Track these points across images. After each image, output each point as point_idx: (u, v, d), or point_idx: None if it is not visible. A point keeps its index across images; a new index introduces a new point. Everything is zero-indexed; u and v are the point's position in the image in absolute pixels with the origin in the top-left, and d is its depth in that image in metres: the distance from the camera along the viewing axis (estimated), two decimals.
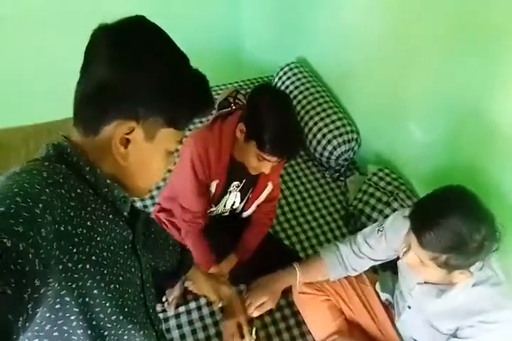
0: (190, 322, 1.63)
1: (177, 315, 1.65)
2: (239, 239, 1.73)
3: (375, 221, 1.83)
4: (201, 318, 1.65)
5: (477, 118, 1.52)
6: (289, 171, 2.28)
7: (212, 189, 1.55)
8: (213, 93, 2.64)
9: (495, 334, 1.14)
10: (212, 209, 1.66)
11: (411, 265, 1.17)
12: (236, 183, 1.60)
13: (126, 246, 0.78)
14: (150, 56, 0.67)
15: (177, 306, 1.66)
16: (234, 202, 1.67)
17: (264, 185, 1.63)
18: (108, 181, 0.71)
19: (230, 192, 1.63)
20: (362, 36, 2.04)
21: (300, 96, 2.36)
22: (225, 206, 1.67)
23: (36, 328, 0.62)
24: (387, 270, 1.62)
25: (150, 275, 0.92)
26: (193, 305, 1.69)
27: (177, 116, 0.72)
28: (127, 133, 0.68)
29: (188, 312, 1.66)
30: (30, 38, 2.35)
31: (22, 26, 2.30)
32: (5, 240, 0.46)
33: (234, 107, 2.40)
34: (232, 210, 1.73)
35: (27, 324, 0.47)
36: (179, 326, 1.62)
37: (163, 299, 1.65)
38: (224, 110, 1.55)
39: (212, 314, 1.67)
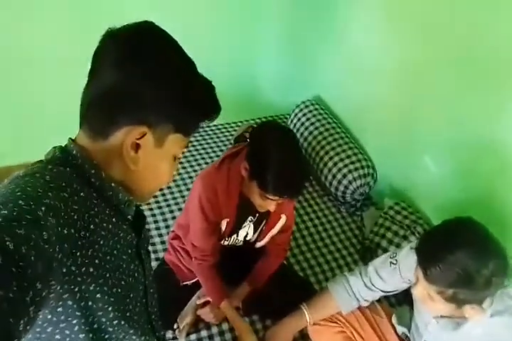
0: None
1: None
2: (252, 269, 1.71)
3: None
4: None
5: (492, 151, 1.54)
6: (304, 205, 2.28)
7: (223, 227, 1.56)
8: (230, 129, 2.76)
9: None
10: (224, 241, 1.66)
11: (420, 299, 1.14)
12: (250, 218, 1.61)
13: (130, 251, 0.77)
14: (160, 63, 0.68)
15: (188, 334, 1.63)
16: (247, 233, 1.67)
17: (277, 217, 1.62)
18: (113, 184, 0.71)
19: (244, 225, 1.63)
20: (375, 74, 2.12)
21: (316, 132, 2.41)
22: (237, 237, 1.67)
23: (38, 330, 0.61)
24: (404, 304, 1.58)
25: (153, 281, 0.91)
26: (204, 333, 1.65)
27: (186, 122, 0.73)
28: (138, 139, 0.68)
29: (200, 340, 1.63)
30: None
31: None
32: (7, 243, 0.46)
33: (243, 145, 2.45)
34: (246, 241, 1.72)
35: (28, 327, 0.47)
36: None
37: (175, 326, 1.62)
38: (232, 148, 1.57)
39: None
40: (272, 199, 1.35)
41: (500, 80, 1.44)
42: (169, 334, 1.60)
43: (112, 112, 0.67)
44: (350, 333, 1.50)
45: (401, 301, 1.63)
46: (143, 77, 0.66)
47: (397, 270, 1.36)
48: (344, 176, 2.19)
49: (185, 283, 1.70)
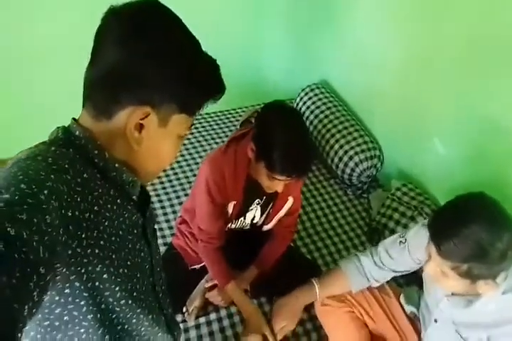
0: (211, 333, 1.60)
1: (197, 326, 1.62)
2: (259, 251, 1.72)
3: None
4: (221, 330, 1.62)
5: (501, 132, 1.52)
6: (311, 188, 2.28)
7: (230, 210, 1.56)
8: (236, 115, 2.75)
9: None
10: (232, 224, 1.66)
11: (432, 276, 1.14)
12: (257, 201, 1.61)
13: (135, 231, 0.77)
14: (164, 42, 0.67)
15: (197, 317, 1.64)
16: (254, 216, 1.67)
17: (284, 200, 1.62)
18: (116, 165, 0.71)
19: (251, 208, 1.63)
20: (382, 57, 2.09)
21: (321, 116, 2.39)
22: (244, 219, 1.67)
23: (46, 311, 0.62)
24: (412, 285, 1.57)
25: (160, 260, 0.92)
26: (213, 316, 1.66)
27: (190, 102, 0.72)
28: (142, 119, 0.67)
29: (209, 323, 1.64)
30: None
31: None
32: (8, 229, 0.45)
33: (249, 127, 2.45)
34: (253, 224, 1.72)
35: (33, 310, 0.47)
36: (199, 337, 1.59)
37: (184, 309, 1.63)
38: (239, 131, 1.56)
39: (232, 326, 1.64)
40: (279, 180, 1.34)
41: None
42: (178, 318, 1.61)
43: (116, 91, 0.66)
44: (358, 313, 1.50)
45: (409, 282, 1.62)
46: (146, 55, 0.65)
47: (406, 249, 1.35)
48: (350, 158, 2.18)
49: (193, 267, 1.72)
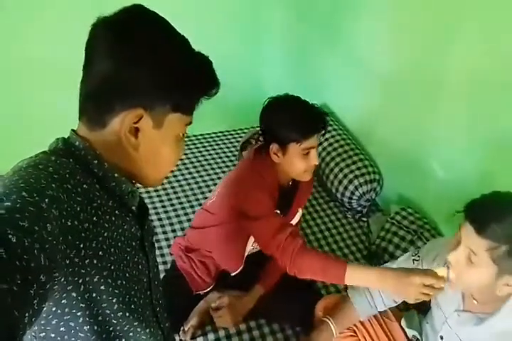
0: None
1: None
2: (264, 270, 1.70)
3: None
4: None
5: (500, 154, 1.54)
6: (311, 211, 2.29)
7: None
8: (236, 136, 2.78)
9: None
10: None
11: (457, 265, 1.10)
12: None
13: (134, 243, 0.77)
14: (152, 47, 0.67)
15: (194, 337, 1.62)
16: None
17: (295, 212, 1.65)
18: (116, 175, 0.71)
19: None
20: (383, 81, 2.13)
21: (321, 138, 2.41)
22: None
23: (43, 322, 0.62)
24: (411, 308, 1.57)
25: (158, 274, 0.91)
26: (211, 336, 1.64)
27: (183, 100, 0.71)
28: (136, 122, 0.68)
29: None
30: None
31: None
32: (10, 236, 0.46)
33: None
34: None
35: (33, 319, 0.47)
36: None
37: (181, 328, 1.61)
38: (250, 151, 1.60)
39: None
40: (311, 147, 1.41)
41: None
42: (176, 338, 1.59)
43: (107, 99, 0.67)
44: (361, 336, 1.49)
45: (408, 306, 1.62)
46: (134, 62, 0.66)
47: (420, 266, 1.33)
48: (350, 182, 2.20)
49: (197, 292, 1.69)
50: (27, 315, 0.45)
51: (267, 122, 1.45)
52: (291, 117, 1.38)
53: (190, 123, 0.76)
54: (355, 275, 1.26)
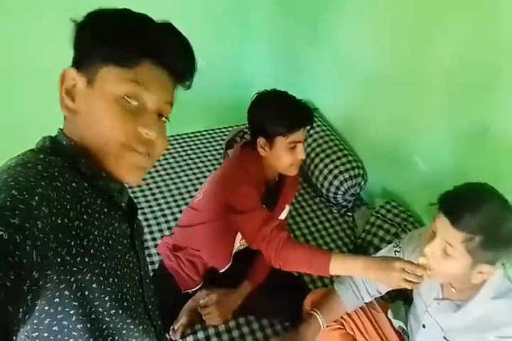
0: None
1: None
2: (251, 266, 1.72)
3: None
4: None
5: (480, 146, 1.57)
6: (297, 207, 2.30)
7: None
8: (221, 134, 2.78)
9: None
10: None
11: (433, 257, 1.12)
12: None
13: (125, 241, 0.77)
14: (109, 19, 0.69)
15: (184, 336, 1.63)
16: None
17: (282, 208, 1.66)
18: (103, 174, 0.70)
19: None
20: (367, 78, 2.15)
21: (307, 134, 2.43)
22: None
23: (35, 321, 0.61)
24: (397, 300, 1.59)
25: (149, 271, 0.92)
26: (201, 334, 1.65)
27: (115, 50, 0.67)
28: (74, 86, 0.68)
29: None
30: None
31: None
32: (1, 232, 0.45)
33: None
34: None
35: (27, 316, 0.47)
36: None
37: (170, 328, 1.61)
38: (236, 148, 1.61)
39: None
40: (298, 141, 1.42)
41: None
42: (166, 336, 1.59)
43: None
44: (349, 328, 1.51)
45: (394, 297, 1.64)
46: (75, 33, 0.68)
47: (402, 257, 1.35)
48: (335, 177, 2.22)
49: (186, 291, 1.69)
50: (21, 310, 0.45)
51: (255, 116, 1.47)
52: (278, 111, 1.40)
53: (135, 81, 0.67)
54: (340, 265, 1.27)
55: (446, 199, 1.09)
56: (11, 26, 2.20)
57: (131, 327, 0.78)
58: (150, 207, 2.21)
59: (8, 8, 2.15)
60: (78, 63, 0.69)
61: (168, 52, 0.70)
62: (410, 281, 1.15)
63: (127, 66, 0.67)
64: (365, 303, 1.52)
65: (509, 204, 1.06)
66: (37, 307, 0.57)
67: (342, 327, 1.52)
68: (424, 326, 1.31)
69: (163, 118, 0.74)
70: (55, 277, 0.56)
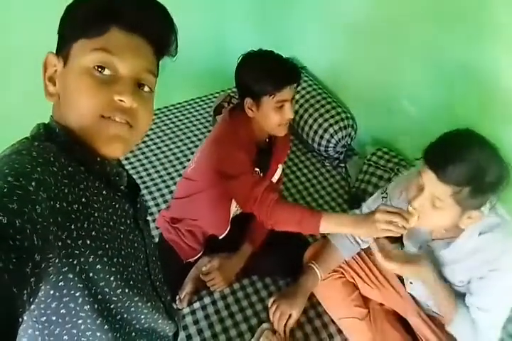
0: (207, 317, 1.62)
1: (193, 312, 1.64)
2: (250, 228, 1.73)
3: None
4: (217, 312, 1.64)
5: (468, 84, 1.53)
6: (290, 164, 2.29)
7: None
8: (208, 101, 2.74)
9: (508, 281, 1.11)
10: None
11: (421, 209, 1.10)
12: (256, 170, 1.59)
13: (128, 221, 0.77)
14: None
15: (191, 303, 1.66)
16: None
17: (275, 168, 1.66)
18: (98, 159, 0.70)
19: None
20: (347, 28, 2.08)
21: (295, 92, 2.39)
22: None
23: (42, 306, 0.62)
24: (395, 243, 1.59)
25: (155, 250, 0.92)
26: (207, 300, 1.68)
27: (80, 20, 0.66)
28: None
29: (204, 307, 1.66)
30: None
31: None
32: (0, 217, 0.46)
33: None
34: None
35: (31, 299, 0.47)
36: (196, 322, 1.61)
37: (176, 297, 1.64)
38: (226, 110, 1.59)
39: (227, 307, 1.66)
40: (285, 100, 1.39)
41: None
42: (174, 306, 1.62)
43: None
44: (349, 277, 1.53)
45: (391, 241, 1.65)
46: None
47: (389, 201, 1.36)
48: (325, 131, 2.19)
49: (188, 260, 1.71)
50: (25, 292, 0.45)
51: (241, 77, 1.44)
52: (263, 69, 1.37)
53: (103, 48, 0.66)
54: (330, 224, 1.27)
55: (430, 153, 1.06)
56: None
57: (139, 304, 0.79)
58: (144, 182, 2.21)
59: None
60: (57, 48, 0.69)
61: (136, 16, 0.67)
62: (390, 230, 1.14)
63: (95, 35, 0.65)
64: (362, 249, 1.52)
65: (494, 148, 1.03)
66: (42, 292, 0.59)
67: (342, 275, 1.54)
68: None
69: (146, 88, 0.71)
70: (57, 260, 0.56)
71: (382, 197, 1.38)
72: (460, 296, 1.21)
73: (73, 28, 0.67)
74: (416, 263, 1.15)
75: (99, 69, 0.66)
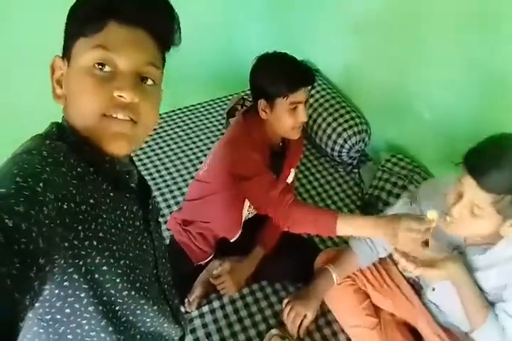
0: (215, 321, 1.61)
1: (201, 315, 1.63)
2: (261, 232, 1.72)
3: None
4: (226, 316, 1.63)
5: (491, 85, 1.49)
6: (302, 169, 2.27)
7: None
8: (221, 104, 2.74)
9: None
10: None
11: (459, 219, 1.07)
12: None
13: (137, 223, 0.76)
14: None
15: (200, 306, 1.65)
16: None
17: (288, 172, 1.65)
18: (107, 158, 0.70)
19: None
20: (360, 30, 2.07)
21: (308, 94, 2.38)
22: None
23: (47, 305, 0.62)
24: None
25: (165, 253, 0.91)
26: (216, 304, 1.67)
27: (79, 19, 0.67)
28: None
29: (212, 311, 1.64)
30: None
31: None
32: (6, 220, 0.46)
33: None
34: None
35: (34, 301, 0.47)
36: (204, 325, 1.60)
37: (185, 300, 1.64)
38: (239, 114, 1.57)
39: (236, 311, 1.64)
40: (298, 102, 1.38)
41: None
42: (182, 309, 1.62)
43: None
44: (361, 285, 1.51)
45: None
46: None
47: (418, 209, 1.32)
48: (339, 135, 2.17)
49: (199, 263, 1.70)
50: (28, 297, 0.45)
51: (256, 79, 1.43)
52: (278, 71, 1.37)
53: (100, 45, 0.65)
54: (347, 225, 1.24)
55: (471, 159, 1.03)
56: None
57: (145, 307, 0.78)
58: (156, 184, 2.20)
59: None
60: (63, 50, 0.70)
61: (134, 8, 0.66)
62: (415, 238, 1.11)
63: (93, 32, 0.65)
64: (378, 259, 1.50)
65: None
66: (47, 291, 0.59)
67: (354, 283, 1.52)
68: None
69: (149, 81, 0.70)
70: (62, 261, 0.56)
71: (410, 203, 1.35)
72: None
73: (73, 28, 0.68)
74: (443, 266, 1.11)
75: (100, 67, 0.65)
